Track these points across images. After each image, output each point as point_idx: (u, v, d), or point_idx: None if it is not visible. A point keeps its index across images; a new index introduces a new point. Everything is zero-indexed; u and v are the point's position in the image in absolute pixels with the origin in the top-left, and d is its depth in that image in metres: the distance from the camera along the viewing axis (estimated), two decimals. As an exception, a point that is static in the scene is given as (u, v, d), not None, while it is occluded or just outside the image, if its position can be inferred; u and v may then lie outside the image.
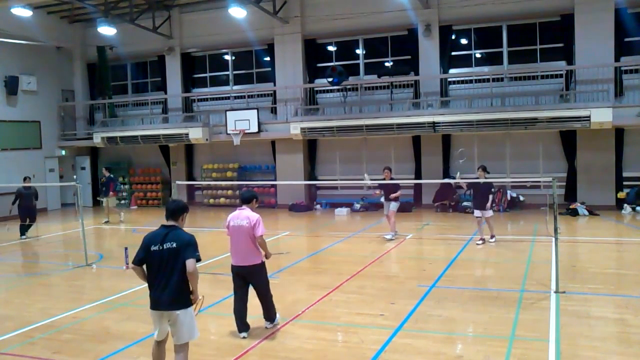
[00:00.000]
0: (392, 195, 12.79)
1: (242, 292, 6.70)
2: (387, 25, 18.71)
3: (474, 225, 14.56)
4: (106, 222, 17.50)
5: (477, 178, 11.90)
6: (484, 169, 11.88)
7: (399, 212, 17.41)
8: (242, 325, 6.67)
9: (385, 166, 13.50)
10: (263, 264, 6.74)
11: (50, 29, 21.76)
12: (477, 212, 12.09)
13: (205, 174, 21.71)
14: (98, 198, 19.89)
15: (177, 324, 4.93)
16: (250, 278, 6.69)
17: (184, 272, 4.90)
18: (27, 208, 15.22)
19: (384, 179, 12.87)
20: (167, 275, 4.88)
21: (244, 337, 6.55)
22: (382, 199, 13.44)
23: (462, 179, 12.54)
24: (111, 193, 17.84)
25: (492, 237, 12.06)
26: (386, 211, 13.17)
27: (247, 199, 6.84)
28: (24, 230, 15.23)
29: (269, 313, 6.85)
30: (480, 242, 11.94)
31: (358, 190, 19.17)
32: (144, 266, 5.09)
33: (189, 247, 4.93)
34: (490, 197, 11.85)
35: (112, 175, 18.20)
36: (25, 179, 15.93)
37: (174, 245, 4.92)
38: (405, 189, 18.59)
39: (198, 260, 4.96)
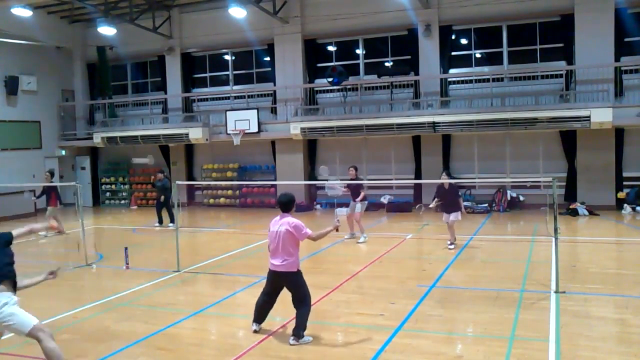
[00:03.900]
0: (358, 199, 12.75)
1: (269, 296, 6.61)
2: (387, 25, 18.70)
3: (474, 225, 14.61)
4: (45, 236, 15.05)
5: (443, 182, 11.62)
6: (448, 174, 11.84)
7: (399, 212, 17.53)
8: (259, 316, 6.61)
9: (351, 165, 13.37)
10: (299, 272, 6.49)
11: (50, 29, 21.75)
12: (444, 216, 11.78)
13: (205, 174, 21.71)
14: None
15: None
16: (286, 285, 6.49)
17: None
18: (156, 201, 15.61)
19: (351, 179, 12.80)
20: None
21: (255, 330, 6.55)
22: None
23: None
24: (55, 203, 15.26)
25: (451, 243, 11.58)
26: (351, 211, 13.06)
27: (285, 206, 6.67)
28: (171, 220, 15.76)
29: (298, 327, 6.29)
30: (452, 246, 11.52)
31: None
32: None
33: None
34: (461, 201, 11.56)
35: (53, 181, 15.68)
36: (158, 172, 16.41)
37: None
38: (405, 189, 18.69)
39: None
